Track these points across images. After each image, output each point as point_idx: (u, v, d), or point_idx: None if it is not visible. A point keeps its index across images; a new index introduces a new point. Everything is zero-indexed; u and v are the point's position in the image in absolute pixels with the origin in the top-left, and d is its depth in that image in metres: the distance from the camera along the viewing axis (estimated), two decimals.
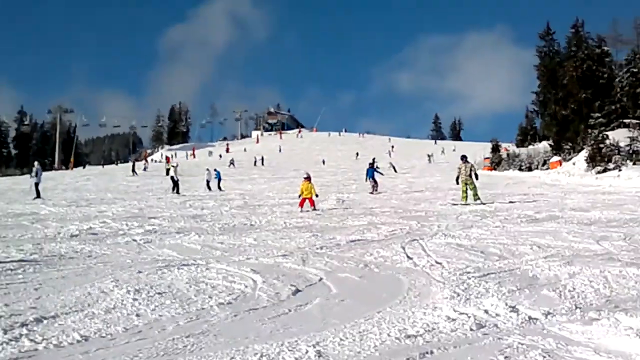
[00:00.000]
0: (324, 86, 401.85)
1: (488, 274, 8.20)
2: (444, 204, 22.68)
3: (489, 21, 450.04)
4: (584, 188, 31.92)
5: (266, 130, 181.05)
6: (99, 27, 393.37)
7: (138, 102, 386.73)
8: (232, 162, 78.14)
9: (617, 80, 64.79)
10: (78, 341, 5.20)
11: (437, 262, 9.19)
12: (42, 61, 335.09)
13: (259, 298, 6.95)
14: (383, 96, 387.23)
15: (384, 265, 9.16)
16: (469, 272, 8.31)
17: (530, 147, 72.93)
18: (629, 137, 45.64)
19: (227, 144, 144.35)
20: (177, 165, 40.72)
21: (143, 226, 15.12)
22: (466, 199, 23.03)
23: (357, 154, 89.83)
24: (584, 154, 48.52)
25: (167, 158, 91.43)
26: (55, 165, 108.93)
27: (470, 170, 23.91)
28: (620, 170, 41.97)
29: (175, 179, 35.00)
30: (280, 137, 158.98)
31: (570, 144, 59.88)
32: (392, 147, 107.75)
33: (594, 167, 45.07)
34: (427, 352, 4.74)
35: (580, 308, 6.17)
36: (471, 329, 5.42)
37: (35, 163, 33.71)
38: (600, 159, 45.23)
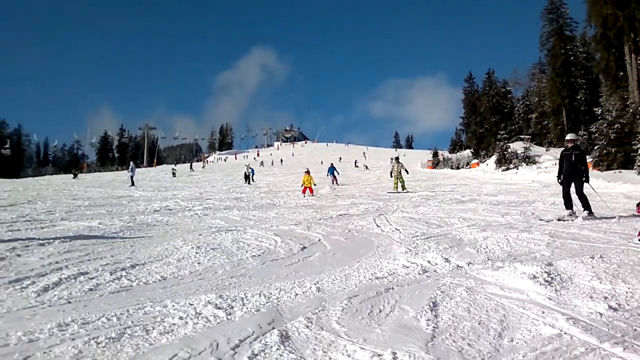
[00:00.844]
0: (322, 111, 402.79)
1: (430, 237, 8.19)
2: (391, 192, 21.92)
3: (433, 70, 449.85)
4: (494, 180, 31.88)
5: (283, 141, 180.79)
6: (174, 72, 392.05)
7: (199, 122, 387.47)
8: (262, 163, 78.34)
9: (515, 109, 65.27)
10: (159, 280, 5.22)
11: (396, 229, 9.19)
12: (135, 94, 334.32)
13: (278, 252, 6.96)
14: (361, 118, 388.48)
15: (361, 231, 9.16)
16: (417, 236, 8.31)
17: (458, 153, 73.12)
18: (524, 147, 46.03)
19: (258, 151, 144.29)
20: (249, 165, 41.58)
21: (202, 204, 15.11)
22: (397, 189, 22.42)
23: (340, 158, 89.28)
24: (494, 158, 48.79)
25: (245, 164, 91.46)
26: (144, 164, 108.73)
27: (400, 167, 23.32)
28: (517, 168, 42.17)
29: (247, 174, 36.21)
30: (293, 146, 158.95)
31: (485, 151, 60.22)
32: (364, 153, 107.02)
33: (500, 167, 45.29)
34: (390, 288, 4.76)
35: (491, 260, 6.18)
36: (419, 273, 5.43)
37: (131, 162, 33.75)
38: (504, 161, 45.52)
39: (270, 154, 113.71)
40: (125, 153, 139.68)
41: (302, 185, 21.53)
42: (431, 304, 4.23)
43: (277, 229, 9.34)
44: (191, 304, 4.23)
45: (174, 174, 57.82)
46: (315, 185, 22.01)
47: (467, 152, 69.56)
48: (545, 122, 56.73)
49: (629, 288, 4.65)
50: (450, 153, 79.16)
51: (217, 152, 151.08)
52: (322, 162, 77.11)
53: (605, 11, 35.35)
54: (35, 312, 4.05)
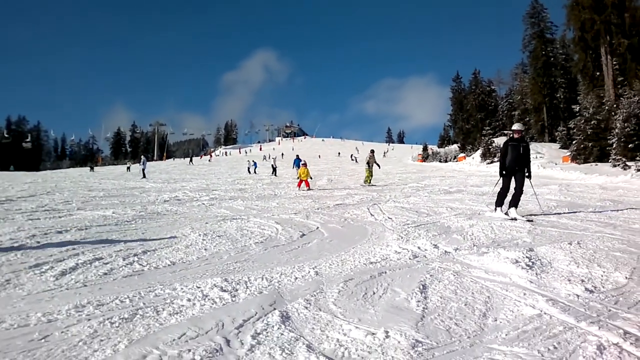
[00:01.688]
0: (320, 109, 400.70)
1: (420, 225, 8.19)
2: (363, 185, 20.65)
3: (424, 70, 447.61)
4: (479, 173, 31.92)
5: (284, 136, 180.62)
6: (183, 72, 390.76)
7: (205, 118, 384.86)
8: (264, 157, 78.21)
9: (499, 107, 65.24)
10: (168, 265, 5.22)
11: (389, 218, 9.19)
12: (147, 92, 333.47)
13: (279, 239, 6.95)
14: (356, 115, 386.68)
15: (356, 219, 9.15)
16: (408, 224, 8.31)
17: (446, 147, 73.19)
18: None
19: (260, 145, 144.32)
20: (275, 158, 42.01)
21: (208, 195, 15.09)
22: (369, 182, 20.68)
23: (339, 153, 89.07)
24: (479, 152, 48.70)
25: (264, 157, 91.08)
26: (155, 158, 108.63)
27: (373, 161, 21.27)
28: None
29: (274, 166, 35.81)
30: (293, 141, 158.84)
31: (471, 146, 60.23)
32: (356, 148, 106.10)
33: (485, 160, 45.20)
34: (383, 272, 4.77)
35: (476, 246, 6.19)
36: (410, 258, 5.43)
37: (142, 156, 33.88)
38: (489, 155, 45.43)
39: (273, 149, 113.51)
40: (137, 147, 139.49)
41: (297, 178, 19.87)
42: (421, 287, 4.23)
43: (278, 218, 9.33)
44: (198, 287, 4.23)
45: (191, 160, 58.00)
46: (311, 178, 20.13)
47: (455, 147, 69.59)
48: (527, 119, 56.71)
49: (604, 272, 4.67)
50: (439, 147, 79.29)
51: (223, 147, 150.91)
52: (319, 157, 77.10)
53: (583, 15, 35.33)
54: (54, 295, 4.05)
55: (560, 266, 4.94)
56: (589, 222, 8.21)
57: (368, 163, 21.21)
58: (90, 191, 17.07)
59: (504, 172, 9.32)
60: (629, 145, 26.69)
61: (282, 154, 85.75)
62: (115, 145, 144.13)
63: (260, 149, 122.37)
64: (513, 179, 9.29)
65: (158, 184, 22.30)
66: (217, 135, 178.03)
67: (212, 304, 3.79)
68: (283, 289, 4.21)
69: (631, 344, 2.91)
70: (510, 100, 63.97)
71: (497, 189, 9.59)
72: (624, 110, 28.13)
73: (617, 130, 28.18)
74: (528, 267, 4.79)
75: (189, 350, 2.86)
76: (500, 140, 47.66)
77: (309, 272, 4.82)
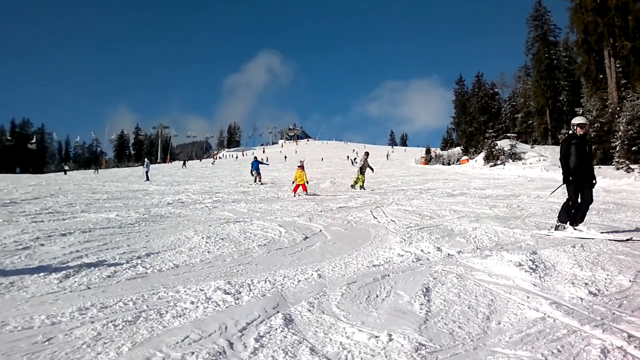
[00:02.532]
0: (323, 112, 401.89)
1: (423, 227, 8.19)
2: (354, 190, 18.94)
3: (428, 73, 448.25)
4: (482, 176, 31.82)
5: (287, 139, 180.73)
6: (187, 75, 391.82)
7: (209, 121, 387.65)
8: (264, 160, 78.10)
9: (502, 109, 65.20)
10: (172, 268, 5.22)
11: (392, 220, 9.18)
12: (151, 95, 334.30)
13: (282, 242, 6.95)
14: (360, 118, 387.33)
15: (359, 222, 9.15)
16: (411, 227, 8.31)
17: (449, 150, 73.16)
18: (510, 144, 45.89)
19: (264, 148, 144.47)
20: (304, 160, 39.63)
21: (211, 198, 15.09)
22: (361, 186, 19.26)
23: (348, 157, 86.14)
24: (482, 154, 48.63)
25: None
26: (158, 160, 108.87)
27: (367, 164, 19.89)
28: (504, 164, 42.10)
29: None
30: (296, 144, 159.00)
31: (474, 149, 60.20)
32: (354, 150, 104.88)
33: (488, 163, 45.18)
34: (386, 275, 4.77)
35: (479, 248, 6.18)
36: (413, 261, 5.43)
37: (145, 159, 33.86)
38: (492, 158, 45.40)
39: (280, 152, 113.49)
40: (140, 150, 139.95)
41: (293, 182, 17.12)
42: (424, 290, 4.23)
43: (281, 220, 9.33)
44: (202, 290, 4.23)
45: (184, 164, 57.95)
46: (307, 182, 17.13)
47: (458, 149, 69.53)
48: (530, 122, 56.80)
49: (607, 275, 4.66)
50: (441, 150, 79.17)
51: (226, 149, 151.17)
52: (322, 159, 77.09)
53: (587, 18, 35.33)
54: (58, 297, 4.05)
55: (564, 269, 4.93)
56: (592, 224, 8.19)
57: (362, 167, 19.88)
58: (94, 194, 17.10)
59: (570, 178, 7.33)
60: (633, 148, 26.67)
61: (285, 157, 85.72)
62: (119, 147, 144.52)
63: (264, 152, 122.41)
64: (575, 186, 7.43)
65: (161, 187, 22.32)
66: (221, 138, 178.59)
67: (216, 306, 3.79)
68: (286, 292, 4.21)
69: (635, 347, 2.90)
70: (514, 103, 64.03)
71: (559, 199, 7.94)
72: (628, 113, 28.11)
73: (620, 133, 28.17)
74: (531, 270, 4.78)
75: (192, 353, 2.86)
76: (503, 143, 47.67)
77: (312, 274, 4.82)
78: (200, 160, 67.50)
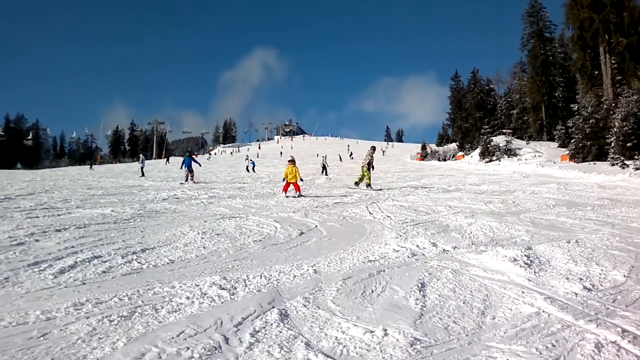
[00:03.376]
0: (319, 107, 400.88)
1: (418, 223, 8.21)
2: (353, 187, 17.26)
3: (424, 69, 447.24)
4: (478, 171, 31.88)
5: (283, 135, 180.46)
6: (182, 70, 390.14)
7: (204, 117, 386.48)
8: (247, 157, 78.04)
9: (498, 105, 65.30)
10: (167, 263, 5.22)
11: (387, 216, 9.20)
12: (146, 91, 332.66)
13: (278, 237, 6.95)
14: (355, 114, 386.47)
15: (355, 217, 9.15)
16: (407, 222, 8.32)
17: (445, 146, 73.21)
18: (505, 141, 46.11)
19: (259, 144, 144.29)
20: (325, 156, 38.45)
21: (207, 193, 15.06)
22: (368, 183, 16.94)
23: (352, 153, 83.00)
24: (478, 150, 48.85)
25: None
26: (153, 156, 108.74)
27: (372, 160, 17.45)
28: (500, 160, 42.27)
29: (326, 166, 32.87)
30: (292, 140, 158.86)
31: (469, 145, 60.44)
32: (348, 145, 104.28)
33: (484, 159, 45.36)
34: (381, 270, 4.78)
35: (475, 244, 6.20)
36: (408, 257, 5.45)
37: (140, 155, 33.81)
38: (487, 154, 45.58)
39: (282, 147, 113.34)
40: (136, 146, 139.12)
41: (283, 180, 14.81)
42: (419, 285, 4.24)
43: (276, 216, 9.32)
44: (197, 285, 4.23)
45: (167, 160, 57.84)
46: (302, 180, 15.22)
47: (453, 145, 69.63)
48: (526, 118, 56.80)
49: (602, 270, 4.68)
50: (437, 146, 79.16)
51: (221, 145, 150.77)
52: (317, 155, 77.01)
53: (582, 14, 35.37)
54: (53, 293, 4.05)
55: (559, 264, 4.95)
56: (587, 220, 8.23)
57: (369, 163, 17.29)
58: (89, 189, 17.03)
59: None
60: (627, 144, 26.76)
61: (281, 153, 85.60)
62: (114, 143, 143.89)
63: (259, 148, 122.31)
64: None
65: (156, 182, 22.25)
66: (216, 133, 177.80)
67: (211, 302, 3.79)
68: (282, 287, 4.21)
69: (629, 341, 2.92)
70: (509, 99, 64.00)
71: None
72: (623, 109, 28.20)
73: (615, 129, 28.25)
74: (526, 266, 4.80)
75: (188, 348, 2.86)
76: (498, 139, 47.76)
77: (308, 270, 4.83)
78: (195, 155, 67.30)
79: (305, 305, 3.69)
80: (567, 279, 4.37)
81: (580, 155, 32.30)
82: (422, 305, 3.70)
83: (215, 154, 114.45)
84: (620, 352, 2.80)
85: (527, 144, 47.90)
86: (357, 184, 17.43)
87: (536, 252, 5.51)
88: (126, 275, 4.67)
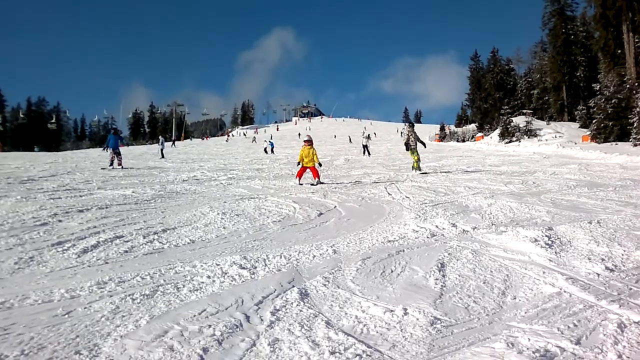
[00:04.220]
0: (337, 88, 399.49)
1: (438, 204, 8.15)
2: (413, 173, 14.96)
3: (444, 48, 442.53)
4: (497, 152, 31.55)
5: (301, 116, 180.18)
6: (201, 52, 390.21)
7: (223, 98, 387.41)
8: (254, 139, 77.85)
9: (518, 85, 64.31)
10: (188, 243, 5.25)
11: (406, 197, 9.15)
12: (165, 74, 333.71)
13: (297, 218, 6.96)
14: (373, 95, 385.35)
15: (374, 198, 9.13)
16: (426, 203, 8.27)
17: (464, 127, 72.61)
18: (525, 121, 45.48)
19: (277, 126, 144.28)
20: (368, 136, 36.96)
21: (226, 175, 15.15)
22: (417, 167, 15.07)
23: (370, 135, 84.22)
24: (497, 131, 48.33)
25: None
26: (173, 138, 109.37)
27: (416, 137, 15.22)
28: (519, 141, 41.79)
29: (368, 146, 32.69)
30: (310, 121, 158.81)
31: (489, 125, 59.78)
32: (365, 127, 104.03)
33: (503, 140, 44.90)
34: (401, 250, 4.76)
35: (495, 224, 6.14)
36: (427, 237, 5.41)
37: (160, 137, 34.25)
38: (507, 135, 45.12)
39: (307, 128, 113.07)
40: (155, 128, 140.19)
41: (298, 164, 12.97)
42: (439, 265, 4.22)
43: (295, 197, 9.34)
44: (218, 264, 4.26)
45: (173, 143, 58.54)
46: (320, 165, 12.81)
47: (472, 126, 69.02)
48: (546, 98, 55.92)
49: (624, 251, 4.61)
50: (456, 127, 78.48)
51: (240, 127, 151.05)
52: (335, 137, 76.85)
53: None
54: (76, 272, 4.10)
55: (580, 245, 4.88)
56: (609, 201, 8.09)
57: (407, 143, 15.27)
58: (110, 171, 17.22)
59: None
60: None
61: (299, 134, 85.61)
62: (134, 125, 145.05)
63: (277, 129, 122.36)
64: None
65: (176, 164, 22.42)
66: (235, 115, 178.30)
67: (232, 281, 3.81)
68: (301, 267, 4.22)
69: None
70: (529, 79, 63.00)
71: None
72: None
73: (638, 109, 27.66)
74: (547, 246, 4.74)
75: (210, 326, 2.89)
76: (518, 120, 47.09)
77: (327, 250, 4.82)
78: (206, 138, 66.62)
79: (325, 285, 3.70)
80: (589, 259, 4.31)
81: (602, 135, 31.76)
82: (442, 285, 3.68)
83: (233, 135, 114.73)
84: None
85: (547, 124, 47.21)
86: (418, 168, 15.11)
87: (557, 233, 5.44)
88: (148, 255, 4.72)
